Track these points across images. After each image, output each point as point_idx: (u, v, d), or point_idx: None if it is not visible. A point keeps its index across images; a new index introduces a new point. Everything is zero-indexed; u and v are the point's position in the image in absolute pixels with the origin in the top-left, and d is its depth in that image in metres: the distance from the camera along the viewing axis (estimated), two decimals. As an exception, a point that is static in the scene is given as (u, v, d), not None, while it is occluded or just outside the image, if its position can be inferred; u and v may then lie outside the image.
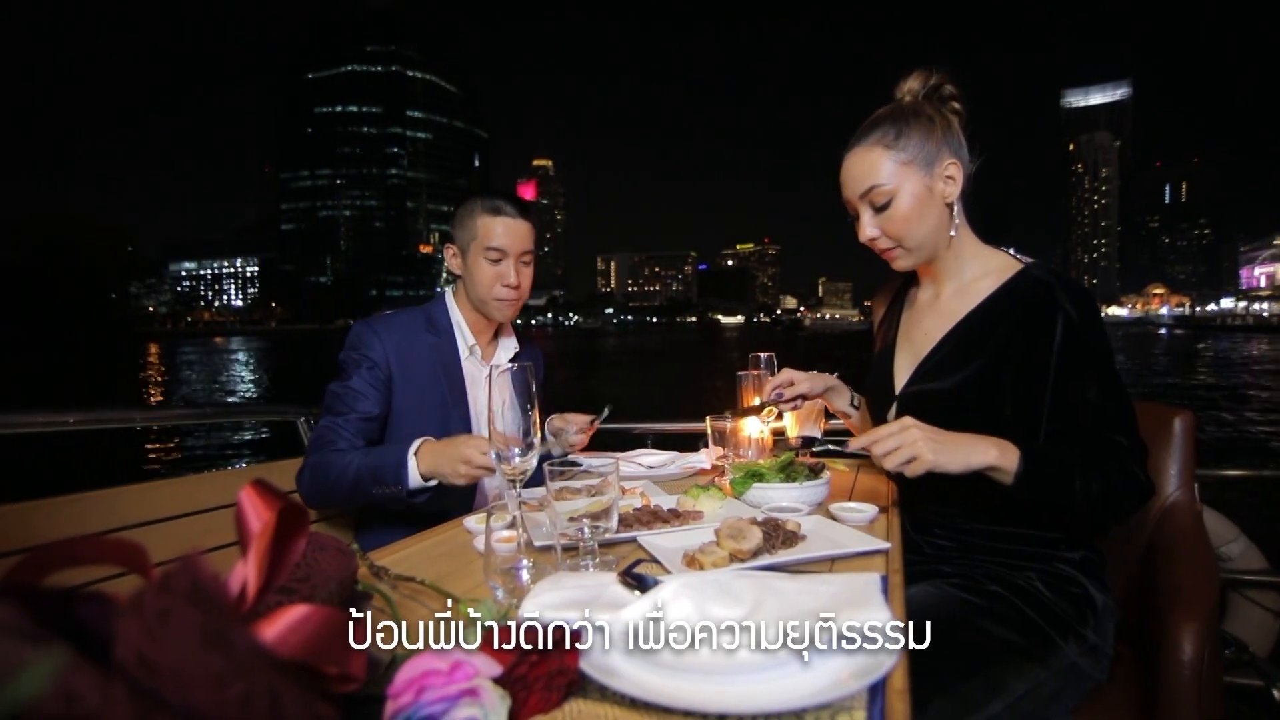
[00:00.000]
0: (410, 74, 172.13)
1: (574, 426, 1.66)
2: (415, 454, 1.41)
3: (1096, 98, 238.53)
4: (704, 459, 1.70)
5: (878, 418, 1.42)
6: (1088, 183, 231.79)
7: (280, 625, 0.47)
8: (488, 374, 0.99)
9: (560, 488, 0.92)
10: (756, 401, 1.61)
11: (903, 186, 1.23)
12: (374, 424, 1.61)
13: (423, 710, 0.49)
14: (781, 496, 1.26)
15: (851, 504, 1.19)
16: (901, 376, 1.36)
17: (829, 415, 1.79)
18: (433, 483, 1.41)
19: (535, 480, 1.08)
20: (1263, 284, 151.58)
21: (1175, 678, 1.03)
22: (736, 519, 1.02)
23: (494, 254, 1.65)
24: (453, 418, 1.66)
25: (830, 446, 1.54)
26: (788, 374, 1.55)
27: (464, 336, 1.75)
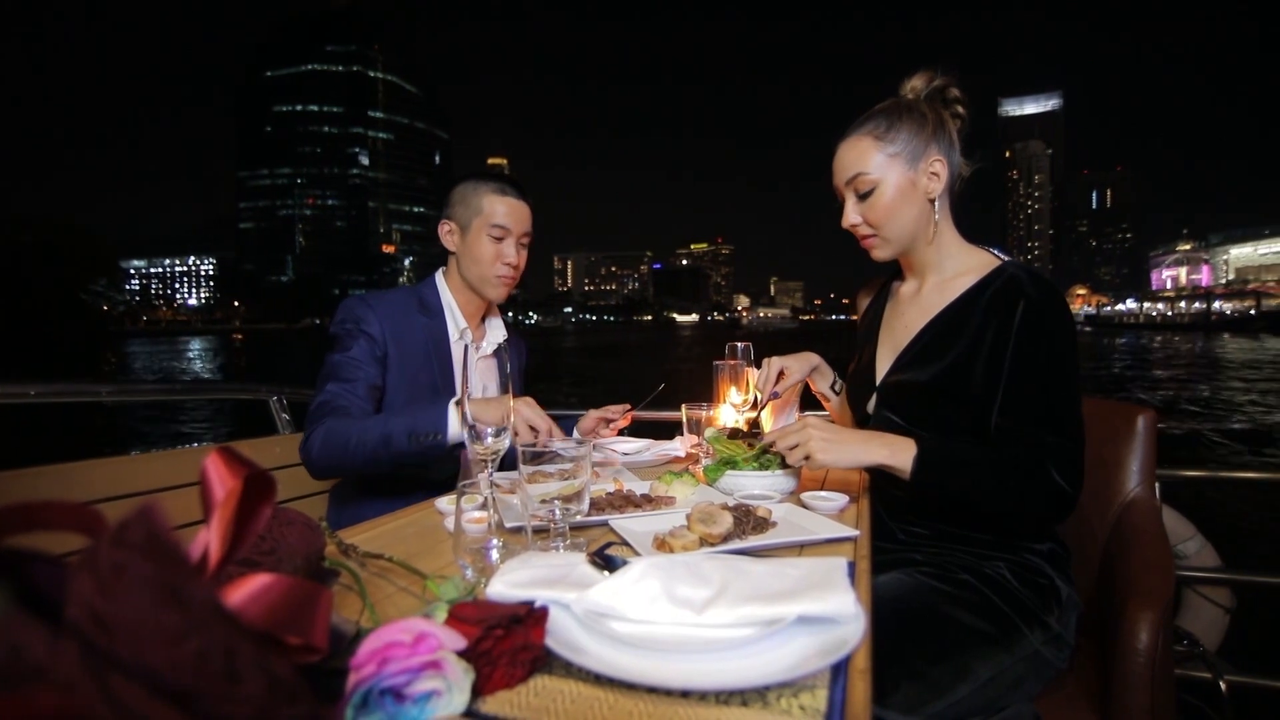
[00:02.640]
0: (372, 74, 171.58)
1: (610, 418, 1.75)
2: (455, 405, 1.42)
3: (1030, 107, 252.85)
4: (679, 446, 1.71)
5: (858, 407, 1.44)
6: (1022, 188, 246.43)
7: (242, 593, 0.46)
8: (462, 354, 0.98)
9: (533, 471, 0.92)
10: (745, 398, 1.62)
11: (886, 177, 1.28)
12: (378, 394, 1.60)
13: (385, 682, 0.49)
14: (754, 484, 1.27)
15: (823, 493, 1.20)
16: (882, 367, 1.39)
17: (805, 406, 1.81)
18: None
19: (509, 464, 1.07)
20: (1169, 285, 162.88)
21: (1130, 665, 1.06)
22: (708, 504, 1.03)
23: (498, 231, 1.68)
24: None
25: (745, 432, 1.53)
26: (778, 364, 1.56)
27: (455, 319, 1.74)
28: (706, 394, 1.70)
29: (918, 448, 1.16)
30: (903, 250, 1.35)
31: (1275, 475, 1.92)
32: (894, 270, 1.49)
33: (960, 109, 1.34)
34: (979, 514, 1.19)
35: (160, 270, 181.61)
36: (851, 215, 1.33)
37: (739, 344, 1.69)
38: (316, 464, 1.48)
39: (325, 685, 0.52)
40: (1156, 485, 1.43)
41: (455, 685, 0.52)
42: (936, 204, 1.30)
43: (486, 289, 1.72)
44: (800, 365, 1.59)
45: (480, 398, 1.39)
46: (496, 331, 1.84)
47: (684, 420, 1.68)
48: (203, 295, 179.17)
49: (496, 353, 1.02)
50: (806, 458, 1.17)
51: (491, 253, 1.68)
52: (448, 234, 1.73)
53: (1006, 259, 1.30)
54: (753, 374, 1.62)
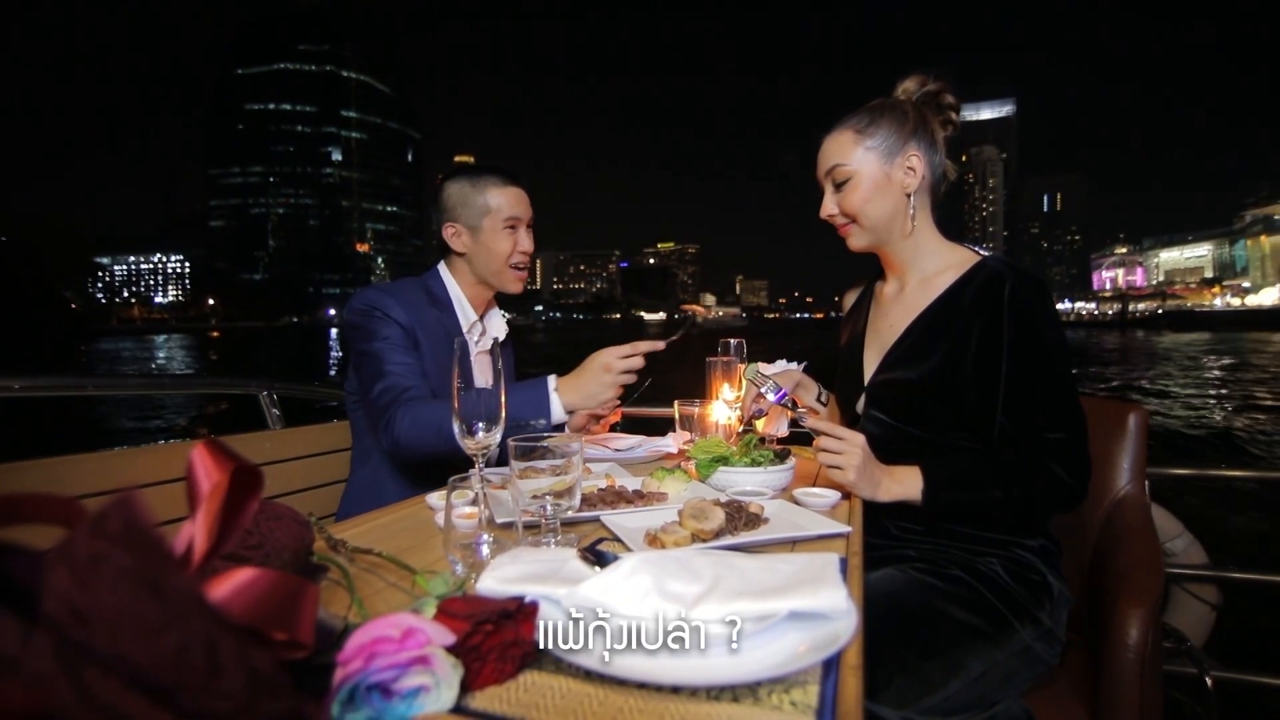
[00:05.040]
0: (345, 74, 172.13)
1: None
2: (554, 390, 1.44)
3: (986, 113, 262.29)
4: (671, 443, 1.70)
5: (848, 408, 1.44)
6: (978, 192, 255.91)
7: (227, 587, 0.46)
8: (456, 348, 0.97)
9: (524, 466, 0.91)
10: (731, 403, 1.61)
11: (862, 169, 1.32)
12: (424, 375, 1.58)
13: (372, 677, 0.49)
14: (746, 480, 1.27)
15: (815, 489, 1.20)
16: (870, 367, 1.39)
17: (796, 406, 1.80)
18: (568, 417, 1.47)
19: (500, 461, 1.07)
20: (1108, 286, 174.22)
21: (1120, 661, 1.07)
22: (700, 500, 1.02)
23: (512, 222, 1.69)
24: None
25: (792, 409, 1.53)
26: (752, 392, 1.54)
27: (465, 312, 1.74)
28: (693, 391, 1.70)
29: (923, 478, 1.19)
30: (877, 241, 1.37)
31: (1263, 474, 1.94)
32: (877, 271, 1.50)
33: (953, 115, 1.37)
34: (993, 519, 1.23)
35: (124, 268, 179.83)
36: (829, 205, 1.37)
37: (731, 340, 1.68)
38: (404, 449, 1.46)
39: (312, 681, 0.52)
40: (1146, 482, 1.44)
41: (444, 681, 0.51)
42: (913, 199, 1.33)
43: (505, 283, 1.73)
44: (781, 383, 1.59)
45: (569, 376, 1.45)
46: (499, 324, 1.84)
47: (676, 416, 1.67)
48: (171, 293, 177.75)
49: (491, 348, 1.01)
50: (837, 468, 1.17)
51: (509, 246, 1.69)
52: (453, 237, 1.71)
53: (987, 254, 1.32)
54: (745, 370, 1.62)
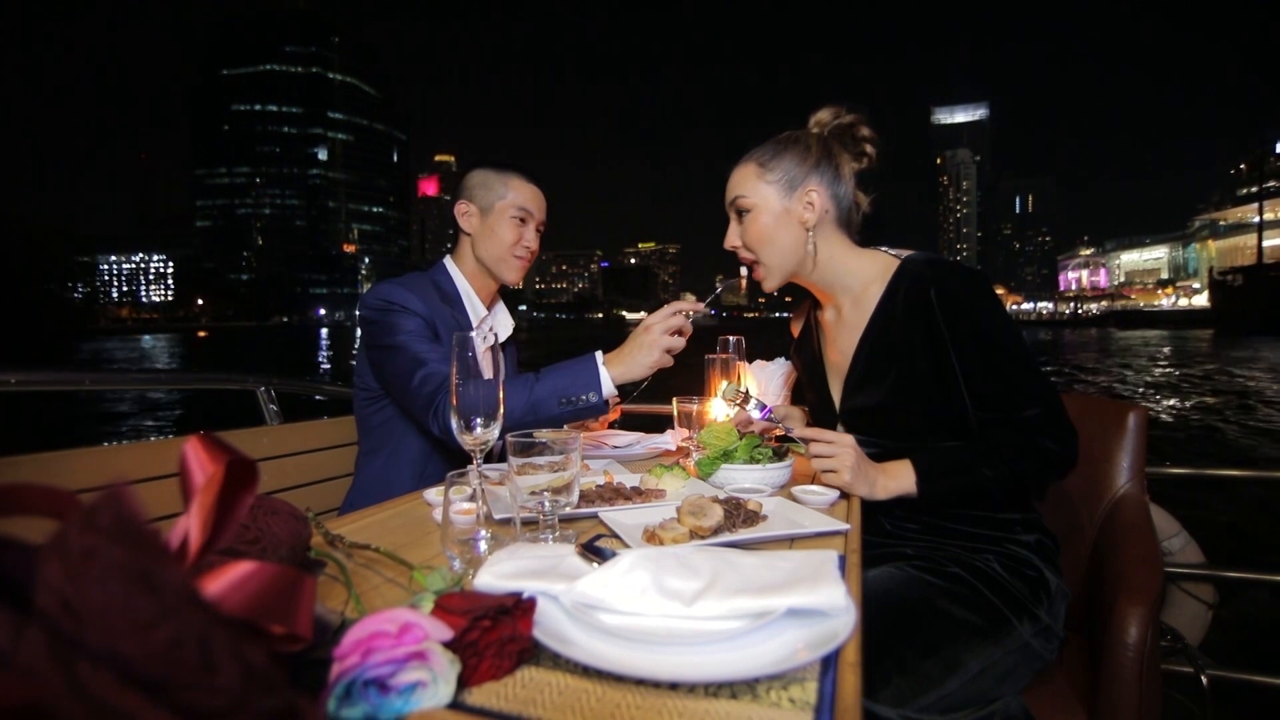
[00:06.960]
0: (331, 75, 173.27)
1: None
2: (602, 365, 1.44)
3: (960, 116, 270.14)
4: (670, 440, 1.70)
5: None
6: (952, 193, 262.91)
7: (224, 581, 0.45)
8: (454, 343, 0.97)
9: (522, 463, 0.91)
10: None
11: (761, 203, 1.34)
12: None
13: (369, 673, 0.48)
14: (745, 478, 1.27)
15: (813, 487, 1.20)
16: (836, 395, 1.42)
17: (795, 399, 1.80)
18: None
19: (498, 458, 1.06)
20: (1074, 286, 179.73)
21: (1120, 659, 1.07)
22: (698, 497, 1.02)
23: (522, 214, 1.72)
24: None
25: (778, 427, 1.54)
26: (744, 416, 1.53)
27: (474, 308, 1.75)
28: (691, 388, 1.69)
29: (915, 471, 1.20)
30: (788, 275, 1.39)
31: (1261, 473, 1.94)
32: (814, 299, 1.51)
33: (868, 147, 1.37)
34: (989, 497, 1.24)
35: (107, 267, 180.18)
36: (732, 236, 1.40)
37: (730, 338, 1.68)
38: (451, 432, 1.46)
39: (308, 675, 0.52)
40: (1145, 482, 1.44)
41: (441, 676, 0.51)
42: (814, 233, 1.34)
43: (504, 270, 1.74)
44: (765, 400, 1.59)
45: (615, 352, 1.45)
46: (505, 321, 1.84)
47: (675, 414, 1.67)
48: (156, 293, 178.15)
49: (491, 345, 1.01)
50: (831, 471, 1.18)
51: (513, 235, 1.71)
52: (464, 215, 1.74)
53: (904, 255, 1.32)
54: (744, 368, 1.62)
